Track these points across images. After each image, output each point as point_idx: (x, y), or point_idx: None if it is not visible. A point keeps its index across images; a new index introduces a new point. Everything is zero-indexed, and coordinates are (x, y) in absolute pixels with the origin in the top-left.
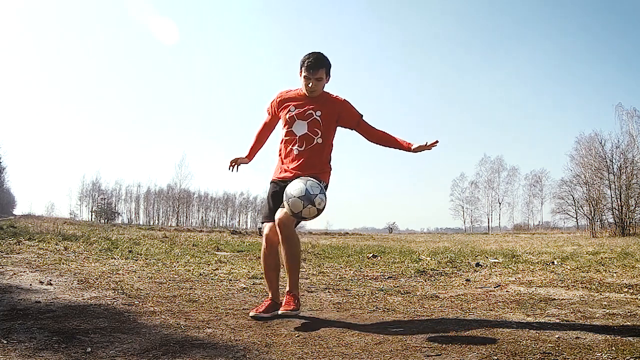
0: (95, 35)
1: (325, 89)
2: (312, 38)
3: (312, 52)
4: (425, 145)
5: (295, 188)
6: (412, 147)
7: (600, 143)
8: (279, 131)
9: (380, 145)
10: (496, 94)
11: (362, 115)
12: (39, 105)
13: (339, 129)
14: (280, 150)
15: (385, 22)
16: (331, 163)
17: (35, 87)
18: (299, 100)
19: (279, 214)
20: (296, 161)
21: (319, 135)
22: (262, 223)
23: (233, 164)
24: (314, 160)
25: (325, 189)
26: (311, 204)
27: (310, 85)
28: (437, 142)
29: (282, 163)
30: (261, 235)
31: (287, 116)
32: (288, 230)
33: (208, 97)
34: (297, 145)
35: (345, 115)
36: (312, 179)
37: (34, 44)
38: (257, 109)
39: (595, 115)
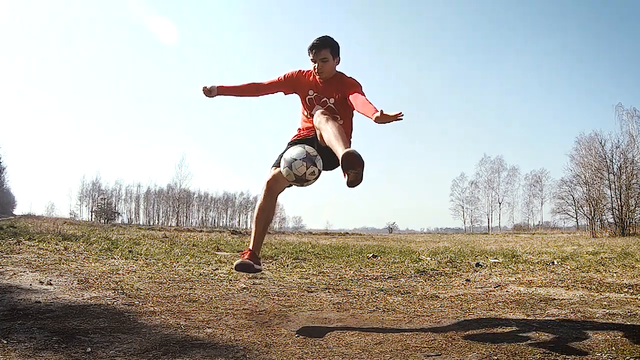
0: (95, 35)
1: (340, 70)
2: (312, 38)
3: (318, 36)
4: (389, 116)
5: (282, 166)
6: (374, 117)
7: (600, 143)
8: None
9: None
10: (496, 94)
11: (360, 91)
12: (38, 105)
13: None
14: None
15: (385, 22)
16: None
17: (35, 87)
18: (317, 85)
19: (271, 173)
20: None
21: (338, 120)
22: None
23: (206, 90)
24: None
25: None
26: (289, 169)
27: (316, 67)
28: (401, 113)
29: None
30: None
31: (307, 99)
32: (269, 191)
33: (208, 97)
34: None
35: (343, 89)
36: (288, 149)
37: (34, 44)
38: (257, 108)
39: (595, 115)
